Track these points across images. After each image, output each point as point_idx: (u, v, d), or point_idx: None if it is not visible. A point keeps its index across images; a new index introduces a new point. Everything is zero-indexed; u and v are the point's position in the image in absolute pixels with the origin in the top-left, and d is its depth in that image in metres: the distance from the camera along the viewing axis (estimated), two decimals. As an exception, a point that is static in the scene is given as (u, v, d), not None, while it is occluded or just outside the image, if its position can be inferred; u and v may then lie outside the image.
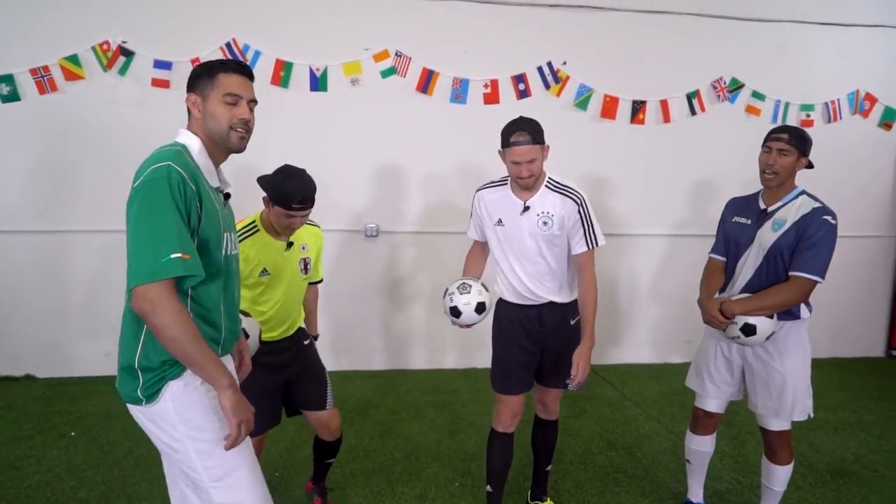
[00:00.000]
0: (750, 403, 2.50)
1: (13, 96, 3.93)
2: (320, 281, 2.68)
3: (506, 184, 2.50)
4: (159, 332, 1.50)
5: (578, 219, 2.39)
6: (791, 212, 2.32)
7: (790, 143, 2.30)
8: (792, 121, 4.75)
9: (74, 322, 4.25)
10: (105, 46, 3.96)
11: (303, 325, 2.60)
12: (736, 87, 4.65)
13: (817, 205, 2.31)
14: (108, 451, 3.20)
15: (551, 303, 2.47)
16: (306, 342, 2.58)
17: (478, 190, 2.56)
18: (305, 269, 2.46)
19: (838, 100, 4.81)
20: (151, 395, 1.61)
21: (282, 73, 4.14)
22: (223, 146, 1.70)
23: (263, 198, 2.29)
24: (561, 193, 2.40)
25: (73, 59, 3.94)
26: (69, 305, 4.22)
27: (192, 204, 1.54)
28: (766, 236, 2.35)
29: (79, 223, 4.13)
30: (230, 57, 4.03)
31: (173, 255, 1.46)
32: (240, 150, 1.72)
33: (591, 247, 2.42)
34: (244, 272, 2.24)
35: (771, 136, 2.36)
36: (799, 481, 3.06)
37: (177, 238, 1.48)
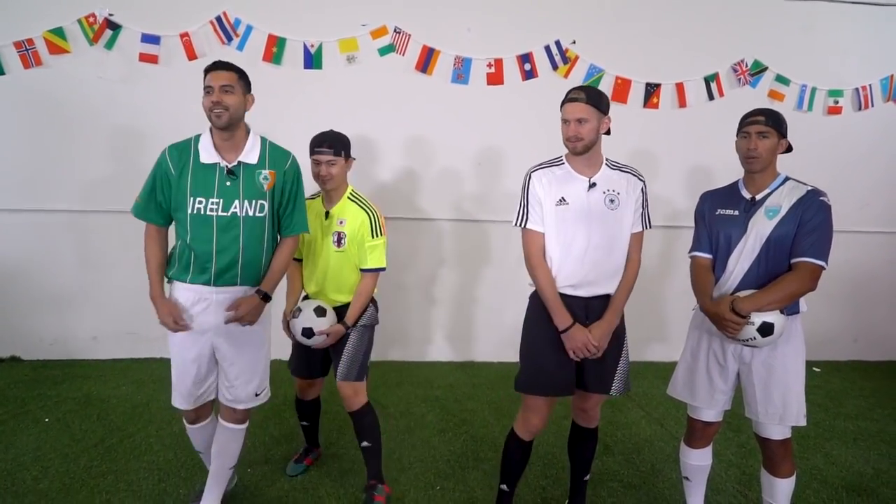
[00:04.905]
0: (749, 411, 2.25)
1: (-3, 70, 3.81)
2: (376, 270, 2.59)
3: (562, 162, 2.33)
4: None
5: (642, 198, 2.32)
6: (783, 197, 2.17)
7: (768, 124, 2.18)
8: (819, 108, 4.46)
9: (62, 303, 4.14)
10: (91, 19, 3.81)
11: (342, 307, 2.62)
12: (758, 70, 4.35)
13: (809, 187, 2.18)
14: (80, 438, 3.07)
15: (602, 296, 2.27)
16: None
17: (531, 171, 2.33)
18: (339, 243, 2.54)
19: (870, 85, 4.49)
20: None
21: (274, 49, 3.94)
22: (214, 127, 2.20)
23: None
24: (624, 172, 2.31)
25: (59, 31, 3.79)
26: (56, 286, 4.10)
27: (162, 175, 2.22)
28: (762, 225, 2.17)
29: (66, 202, 4.00)
30: (220, 32, 3.88)
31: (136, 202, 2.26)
32: (219, 126, 2.17)
33: (645, 227, 2.36)
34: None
35: (747, 121, 2.23)
36: (811, 497, 2.82)
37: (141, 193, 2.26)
